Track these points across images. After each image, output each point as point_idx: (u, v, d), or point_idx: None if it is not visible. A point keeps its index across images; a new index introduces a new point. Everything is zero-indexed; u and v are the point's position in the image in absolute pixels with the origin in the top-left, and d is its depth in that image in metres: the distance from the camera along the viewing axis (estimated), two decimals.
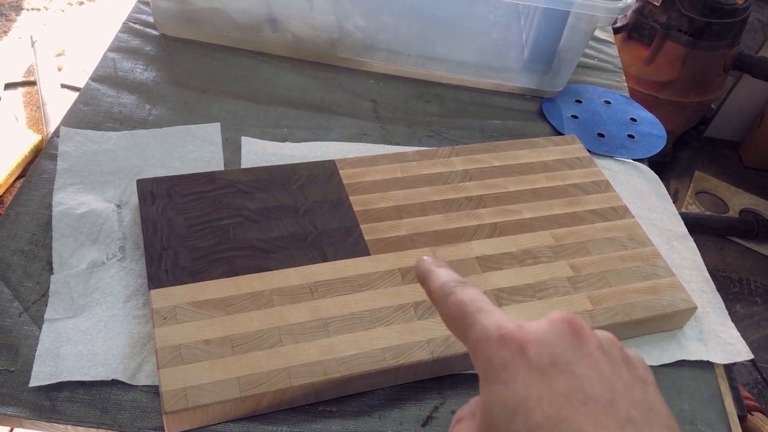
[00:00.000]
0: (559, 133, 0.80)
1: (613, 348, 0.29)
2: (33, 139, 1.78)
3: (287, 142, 0.73)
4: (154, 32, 0.83)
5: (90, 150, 0.66)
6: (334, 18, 0.80)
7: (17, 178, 1.72)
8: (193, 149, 0.68)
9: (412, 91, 0.83)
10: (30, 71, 2.02)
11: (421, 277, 0.35)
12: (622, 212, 0.68)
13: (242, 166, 0.69)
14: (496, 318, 0.30)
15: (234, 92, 0.77)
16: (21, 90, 1.96)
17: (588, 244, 0.65)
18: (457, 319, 0.31)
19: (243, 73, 0.80)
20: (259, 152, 0.70)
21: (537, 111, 0.83)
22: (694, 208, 2.13)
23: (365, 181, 0.67)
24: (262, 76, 0.80)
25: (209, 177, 0.64)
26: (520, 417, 0.26)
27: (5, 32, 2.17)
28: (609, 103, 0.86)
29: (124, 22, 0.84)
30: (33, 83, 1.97)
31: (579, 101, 0.85)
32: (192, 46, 0.82)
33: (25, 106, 1.91)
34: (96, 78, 0.76)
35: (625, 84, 0.90)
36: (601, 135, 0.80)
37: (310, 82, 0.81)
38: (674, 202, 2.16)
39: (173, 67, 0.79)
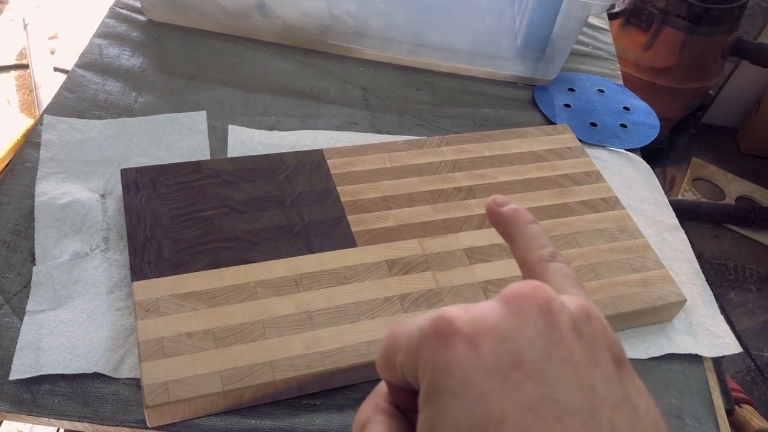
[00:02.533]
0: (551, 123, 0.79)
1: (587, 323, 0.22)
2: (25, 123, 1.76)
3: (275, 131, 0.72)
4: (141, 18, 0.82)
5: (74, 139, 0.65)
6: (324, 3, 0.79)
7: (7, 165, 1.70)
8: (179, 138, 0.68)
9: (402, 78, 0.82)
10: (22, 54, 2.00)
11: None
12: (612, 203, 0.68)
13: (229, 156, 0.68)
14: (442, 310, 0.22)
15: (222, 79, 0.76)
16: (13, 73, 1.95)
17: (578, 236, 0.64)
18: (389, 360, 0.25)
19: (231, 60, 0.79)
20: (246, 141, 0.70)
21: (529, 100, 0.82)
22: (691, 195, 2.12)
23: (353, 171, 0.66)
24: (250, 63, 0.79)
25: (194, 167, 0.63)
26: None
27: None
28: (602, 91, 0.85)
29: (110, 7, 0.83)
30: (25, 66, 1.95)
31: (572, 90, 0.84)
32: (180, 32, 0.81)
33: (17, 90, 1.90)
34: (82, 64, 0.75)
35: (619, 72, 0.89)
36: (593, 124, 0.79)
37: (300, 69, 0.80)
38: (671, 189, 2.15)
39: (160, 53, 0.78)
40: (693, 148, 2.30)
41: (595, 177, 0.70)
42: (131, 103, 0.71)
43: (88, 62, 0.75)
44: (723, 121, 2.34)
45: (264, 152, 0.69)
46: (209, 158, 0.67)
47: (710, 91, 2.23)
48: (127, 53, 0.77)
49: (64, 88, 0.71)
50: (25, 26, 2.02)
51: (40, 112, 1.79)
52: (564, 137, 0.74)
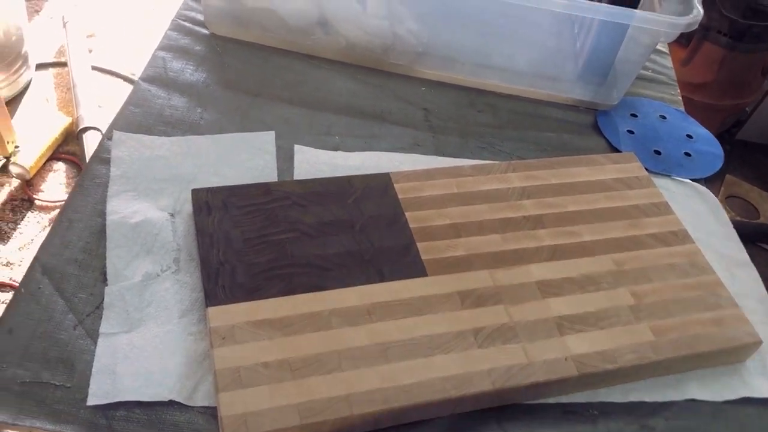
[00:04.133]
0: (615, 149, 0.78)
1: None
2: (64, 121, 1.77)
3: (339, 152, 0.71)
4: (204, 31, 0.81)
5: (143, 156, 0.65)
6: (387, 23, 0.78)
7: (47, 161, 1.72)
8: (248, 157, 0.67)
9: (463, 99, 0.81)
10: (61, 52, 2.01)
11: None
12: (682, 237, 0.67)
13: (295, 176, 0.67)
14: None
15: (286, 97, 0.76)
16: (52, 71, 1.96)
17: (649, 271, 0.63)
18: None
19: (294, 78, 0.78)
20: (312, 161, 0.69)
21: (591, 124, 0.81)
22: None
23: (421, 197, 0.65)
24: (313, 80, 0.79)
25: (264, 188, 0.63)
26: None
27: (36, 11, 2.16)
28: (665, 118, 0.84)
29: (173, 20, 0.82)
30: (64, 64, 1.96)
31: (634, 115, 0.83)
32: (242, 47, 0.80)
33: (55, 88, 1.91)
34: (146, 78, 0.75)
35: (680, 98, 0.88)
36: (657, 152, 0.78)
37: (362, 88, 0.79)
38: None
39: (224, 68, 0.78)
40: (727, 165, 2.27)
41: (663, 209, 0.69)
42: (197, 120, 0.71)
43: (153, 76, 0.75)
44: (759, 138, 2.31)
45: (329, 173, 0.68)
46: (277, 179, 0.67)
47: (747, 108, 2.20)
48: (191, 67, 0.77)
49: (130, 102, 0.71)
50: (64, 24, 2.03)
51: (78, 110, 1.80)
52: (631, 166, 0.73)
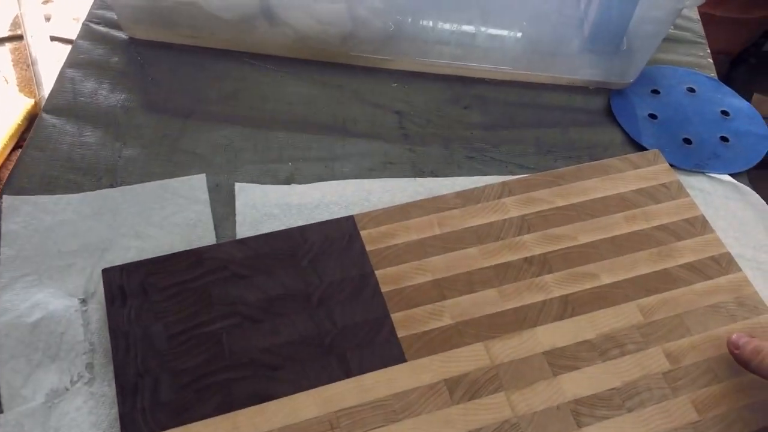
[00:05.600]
0: (635, 143, 0.63)
1: None
2: (25, 104, 1.63)
3: (293, 185, 0.58)
4: (122, 35, 0.67)
5: (43, 224, 0.52)
6: (343, 5, 0.63)
7: (12, 151, 1.59)
8: (175, 210, 0.54)
9: (446, 93, 0.66)
10: (16, 23, 1.84)
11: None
12: (725, 264, 0.53)
13: (237, 227, 0.54)
14: None
15: (225, 114, 0.62)
16: (8, 46, 1.80)
17: (686, 319, 0.50)
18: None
19: (235, 86, 0.64)
20: (259, 203, 0.56)
21: (605, 108, 0.66)
22: None
23: (394, 246, 0.52)
24: (258, 87, 0.64)
25: (195, 257, 0.50)
26: None
27: None
28: (693, 91, 0.68)
29: (84, 23, 0.67)
30: (20, 37, 1.80)
31: (656, 92, 0.68)
32: (169, 52, 0.66)
33: (14, 65, 1.75)
34: (51, 109, 0.61)
35: (710, 60, 0.72)
36: (687, 141, 0.64)
37: (319, 91, 0.65)
38: None
39: (147, 83, 0.63)
40: (753, 82, 2.07)
41: (700, 225, 0.55)
42: (114, 160, 0.57)
43: (59, 105, 0.61)
44: None
45: (281, 216, 0.55)
46: (213, 232, 0.54)
47: None
48: (106, 87, 0.62)
49: (31, 144, 0.58)
50: None
51: (40, 91, 1.66)
52: (656, 170, 0.59)
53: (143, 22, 0.65)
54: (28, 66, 1.72)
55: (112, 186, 0.56)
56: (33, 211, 0.52)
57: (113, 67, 0.64)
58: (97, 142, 0.59)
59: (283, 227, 0.54)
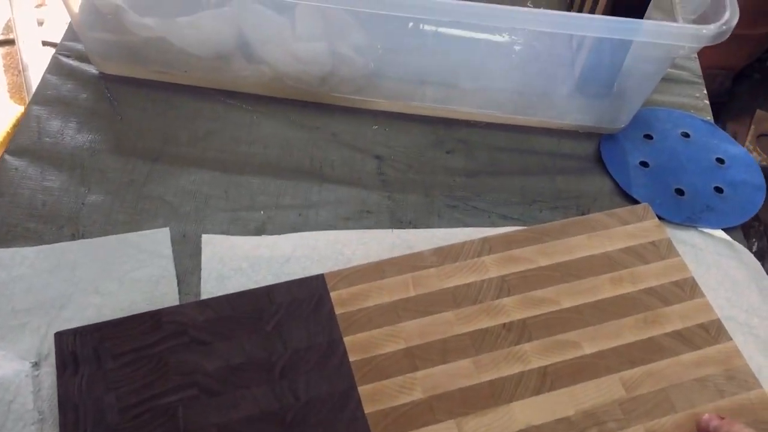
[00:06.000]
0: (624, 193, 0.61)
1: None
2: (15, 111, 1.61)
3: (264, 236, 0.55)
4: (92, 69, 0.64)
5: None
6: (324, 45, 0.60)
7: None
8: (137, 265, 0.51)
9: (429, 136, 0.63)
10: (9, 27, 1.82)
11: None
12: (715, 332, 0.50)
13: (202, 284, 0.51)
14: None
15: (195, 157, 0.59)
16: (0, 50, 1.78)
17: (671, 393, 0.47)
18: None
19: (207, 127, 0.61)
20: (226, 257, 0.53)
21: (594, 154, 0.64)
22: (756, 156, 1.89)
23: (366, 309, 0.49)
24: (232, 129, 0.61)
25: (153, 320, 0.47)
26: None
27: None
28: (688, 135, 0.66)
29: (53, 56, 0.65)
30: (12, 42, 1.77)
31: (649, 136, 0.65)
32: (141, 90, 0.63)
33: (5, 70, 1.73)
34: (15, 150, 0.58)
35: (707, 101, 0.69)
36: (679, 192, 0.61)
37: (296, 133, 0.62)
38: None
39: (116, 123, 0.61)
40: (757, 98, 2.04)
41: (689, 289, 0.53)
42: (77, 207, 0.55)
43: (23, 146, 0.58)
44: None
45: (249, 270, 0.53)
46: (176, 289, 0.51)
47: None
48: (72, 126, 0.60)
49: None
50: None
51: (30, 99, 1.63)
52: (646, 226, 0.56)
53: (113, 57, 0.62)
54: (19, 72, 1.70)
55: (73, 236, 0.53)
56: None
57: (81, 105, 0.61)
58: (60, 187, 0.56)
59: (250, 283, 0.52)
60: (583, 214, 0.59)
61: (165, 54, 0.61)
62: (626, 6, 0.58)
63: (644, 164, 0.63)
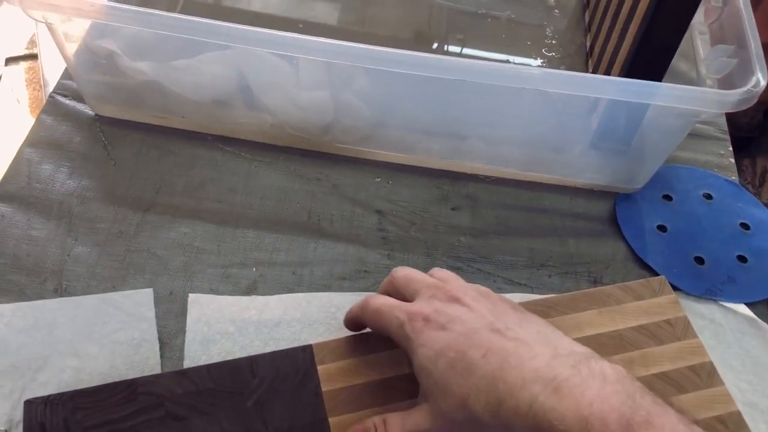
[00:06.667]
0: (640, 260, 0.57)
1: (488, 294, 0.43)
2: None
3: (254, 296, 0.52)
4: (89, 112, 0.62)
5: None
6: (327, 94, 0.58)
7: None
8: (118, 327, 0.49)
9: (433, 191, 0.60)
10: (33, 42, 1.82)
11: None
12: (734, 426, 0.47)
13: (186, 347, 0.49)
14: (402, 308, 0.42)
15: (188, 207, 0.57)
16: (23, 65, 1.78)
17: None
18: (379, 322, 0.43)
19: (202, 175, 0.59)
20: (212, 319, 0.50)
21: (609, 215, 0.60)
22: None
23: (354, 386, 0.46)
24: (228, 177, 0.59)
25: (128, 391, 0.45)
26: (441, 358, 0.39)
27: None
28: (710, 197, 0.62)
29: (50, 95, 0.63)
30: (35, 57, 1.78)
31: (668, 197, 0.61)
32: (135, 132, 0.61)
33: (27, 85, 1.73)
34: (3, 195, 0.56)
35: (732, 159, 0.65)
36: (699, 260, 0.57)
37: (295, 184, 0.59)
38: (761, 185, 1.86)
39: (109, 168, 0.59)
40: None
41: (706, 376, 0.49)
42: (62, 259, 0.53)
43: (12, 191, 0.56)
44: None
45: (236, 334, 0.50)
46: (158, 353, 0.49)
47: None
48: (64, 172, 0.58)
49: None
50: None
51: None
52: (661, 302, 0.52)
53: (109, 100, 0.60)
54: (40, 87, 1.70)
55: (56, 290, 0.51)
56: None
57: (74, 149, 0.59)
58: (46, 237, 0.54)
59: (236, 348, 0.49)
60: (594, 281, 0.56)
61: (161, 98, 0.59)
62: (647, 64, 0.54)
63: (662, 228, 0.59)
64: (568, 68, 0.69)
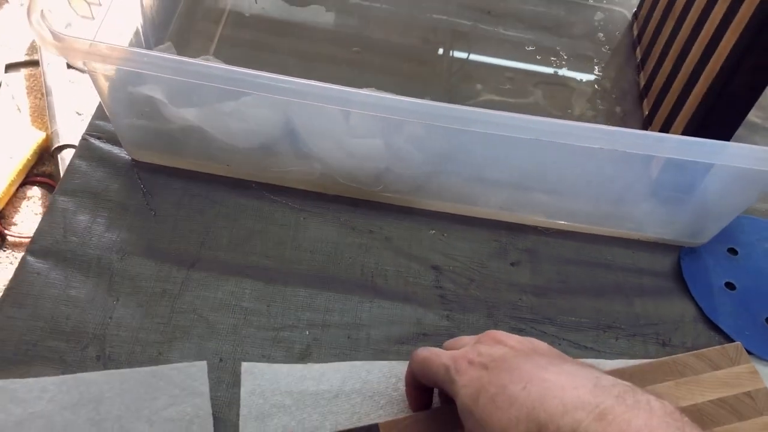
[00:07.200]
0: (709, 321, 0.54)
1: (532, 339, 0.42)
2: (36, 137, 1.56)
3: (309, 364, 0.49)
4: (125, 156, 0.58)
5: (11, 419, 0.44)
6: (380, 142, 0.54)
7: (20, 186, 1.52)
8: (169, 402, 0.46)
9: (491, 244, 0.57)
10: (33, 48, 1.77)
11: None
12: None
13: (241, 423, 0.46)
14: (447, 354, 0.42)
15: (235, 263, 0.54)
16: (24, 72, 1.73)
17: None
18: (427, 371, 0.43)
19: (249, 227, 0.56)
20: (267, 391, 0.47)
21: (673, 270, 0.58)
22: None
23: None
24: (276, 230, 0.56)
25: None
26: (482, 395, 0.37)
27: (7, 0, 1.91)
28: None
29: (83, 136, 0.59)
30: (36, 63, 1.73)
31: (733, 250, 0.59)
32: (177, 181, 0.58)
33: (28, 93, 1.68)
34: (38, 250, 0.53)
35: None
36: None
37: (346, 237, 0.56)
38: None
39: (149, 219, 0.55)
40: None
41: None
42: (104, 322, 0.49)
43: (48, 246, 0.53)
44: None
45: (293, 408, 0.47)
46: (211, 430, 0.45)
47: None
48: (101, 222, 0.54)
49: (10, 299, 0.50)
50: None
51: (52, 124, 1.59)
52: (738, 372, 0.50)
53: (148, 146, 0.57)
54: (42, 95, 1.65)
55: (98, 358, 0.48)
56: (1, 402, 0.44)
57: (111, 198, 0.56)
58: (86, 298, 0.50)
59: (294, 422, 0.46)
60: (663, 344, 0.53)
61: (204, 144, 0.56)
62: (718, 122, 0.51)
63: (730, 285, 0.56)
64: (622, 108, 0.66)
